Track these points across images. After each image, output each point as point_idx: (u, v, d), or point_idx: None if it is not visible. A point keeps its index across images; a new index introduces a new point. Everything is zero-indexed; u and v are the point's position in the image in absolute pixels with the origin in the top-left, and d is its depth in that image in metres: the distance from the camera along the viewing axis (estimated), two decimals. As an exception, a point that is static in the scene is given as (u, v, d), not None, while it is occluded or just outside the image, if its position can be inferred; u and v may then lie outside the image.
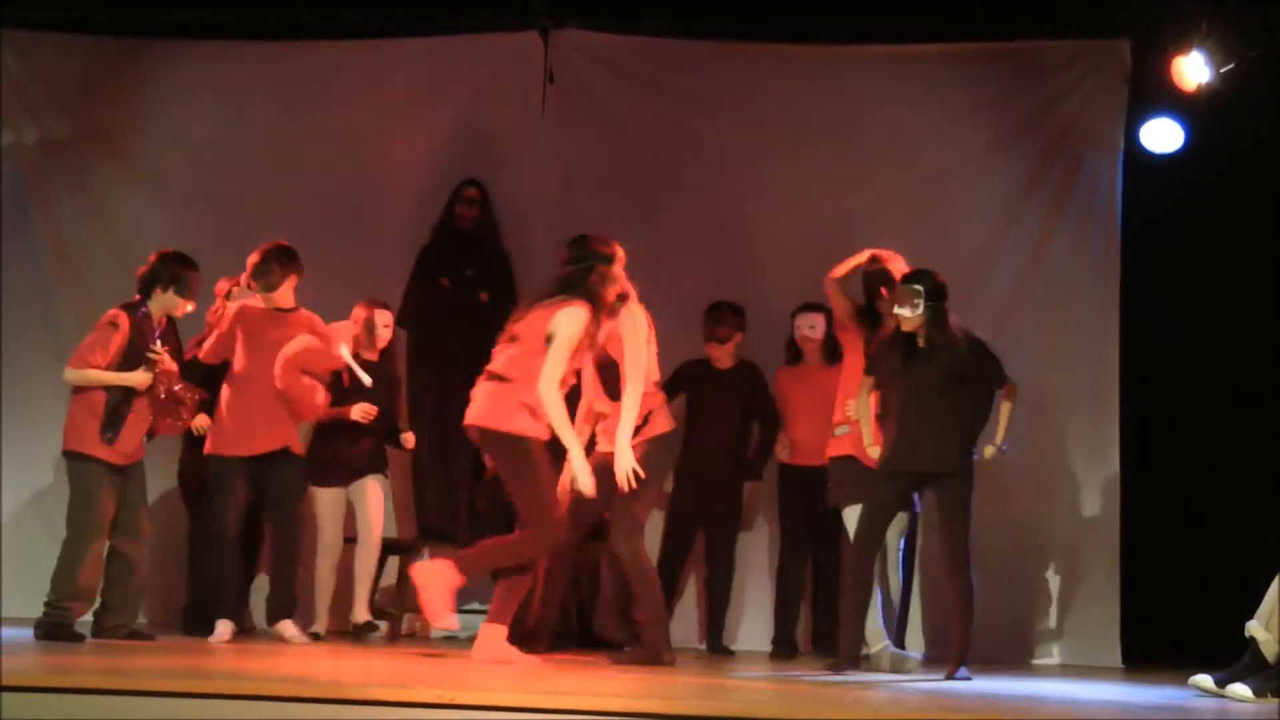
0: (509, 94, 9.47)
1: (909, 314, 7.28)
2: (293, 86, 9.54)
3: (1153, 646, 8.70)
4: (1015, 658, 8.76)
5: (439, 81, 9.50)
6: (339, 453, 8.19)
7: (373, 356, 8.30)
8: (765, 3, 9.09)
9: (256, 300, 7.85)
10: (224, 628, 7.62)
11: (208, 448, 7.78)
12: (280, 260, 7.79)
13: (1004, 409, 7.45)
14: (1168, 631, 8.75)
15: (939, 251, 9.07)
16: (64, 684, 5.29)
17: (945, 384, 7.28)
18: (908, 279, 7.37)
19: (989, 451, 7.39)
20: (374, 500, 8.24)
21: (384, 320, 8.34)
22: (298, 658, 7.02)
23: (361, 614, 8.16)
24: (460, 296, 8.89)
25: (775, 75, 9.44)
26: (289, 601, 7.80)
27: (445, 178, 9.20)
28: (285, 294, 7.82)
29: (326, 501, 8.20)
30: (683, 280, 8.97)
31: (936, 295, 7.30)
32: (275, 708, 5.16)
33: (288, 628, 7.74)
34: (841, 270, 7.87)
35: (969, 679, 7.15)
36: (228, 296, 8.13)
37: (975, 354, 7.34)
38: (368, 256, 9.15)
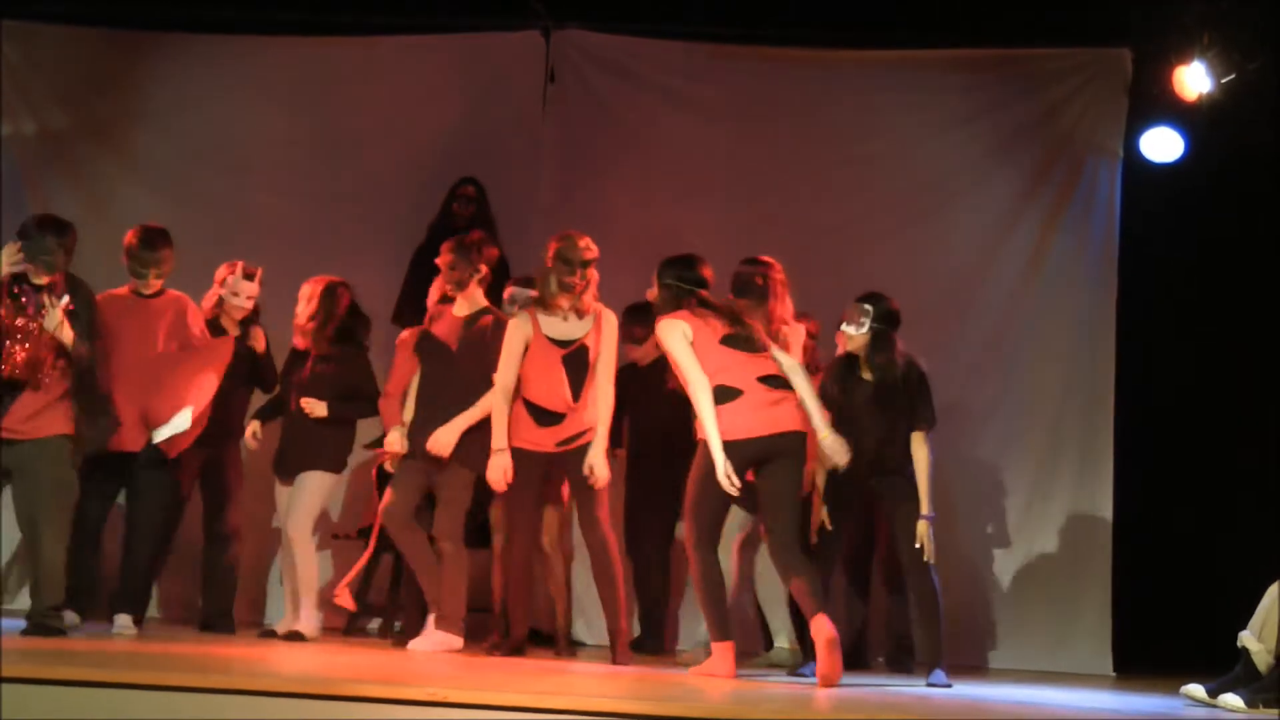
0: (509, 93, 9.48)
1: (853, 332, 7.27)
2: (292, 82, 9.55)
3: (1144, 655, 8.70)
4: (1004, 664, 8.73)
5: (439, 79, 9.51)
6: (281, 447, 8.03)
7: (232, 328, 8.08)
8: (767, 6, 9.09)
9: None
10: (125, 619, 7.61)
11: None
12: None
13: (920, 462, 7.23)
14: (1160, 640, 8.75)
15: (937, 255, 9.16)
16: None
17: (875, 405, 7.24)
18: (861, 298, 7.33)
19: (922, 527, 7.20)
20: (302, 494, 7.91)
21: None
22: (291, 653, 7.04)
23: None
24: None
25: (776, 78, 9.44)
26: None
27: (444, 176, 9.18)
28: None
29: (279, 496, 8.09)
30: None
31: (885, 319, 7.26)
32: (274, 705, 5.21)
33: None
34: None
35: (949, 685, 7.13)
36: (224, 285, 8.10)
37: (908, 381, 7.26)
38: (364, 254, 9.13)
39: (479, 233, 7.90)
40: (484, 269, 7.71)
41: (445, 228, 9.07)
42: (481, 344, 7.57)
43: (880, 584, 8.17)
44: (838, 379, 7.35)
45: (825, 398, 7.19)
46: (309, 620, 7.86)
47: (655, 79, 9.50)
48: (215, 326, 8.06)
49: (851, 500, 7.40)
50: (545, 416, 7.38)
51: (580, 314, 7.40)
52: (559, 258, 7.35)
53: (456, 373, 7.59)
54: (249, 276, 8.10)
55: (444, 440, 7.51)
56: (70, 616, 7.34)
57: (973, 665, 8.43)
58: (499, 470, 7.31)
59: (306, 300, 7.98)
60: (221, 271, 8.15)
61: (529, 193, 9.38)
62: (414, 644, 7.48)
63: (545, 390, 7.37)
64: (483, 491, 7.62)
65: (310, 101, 9.53)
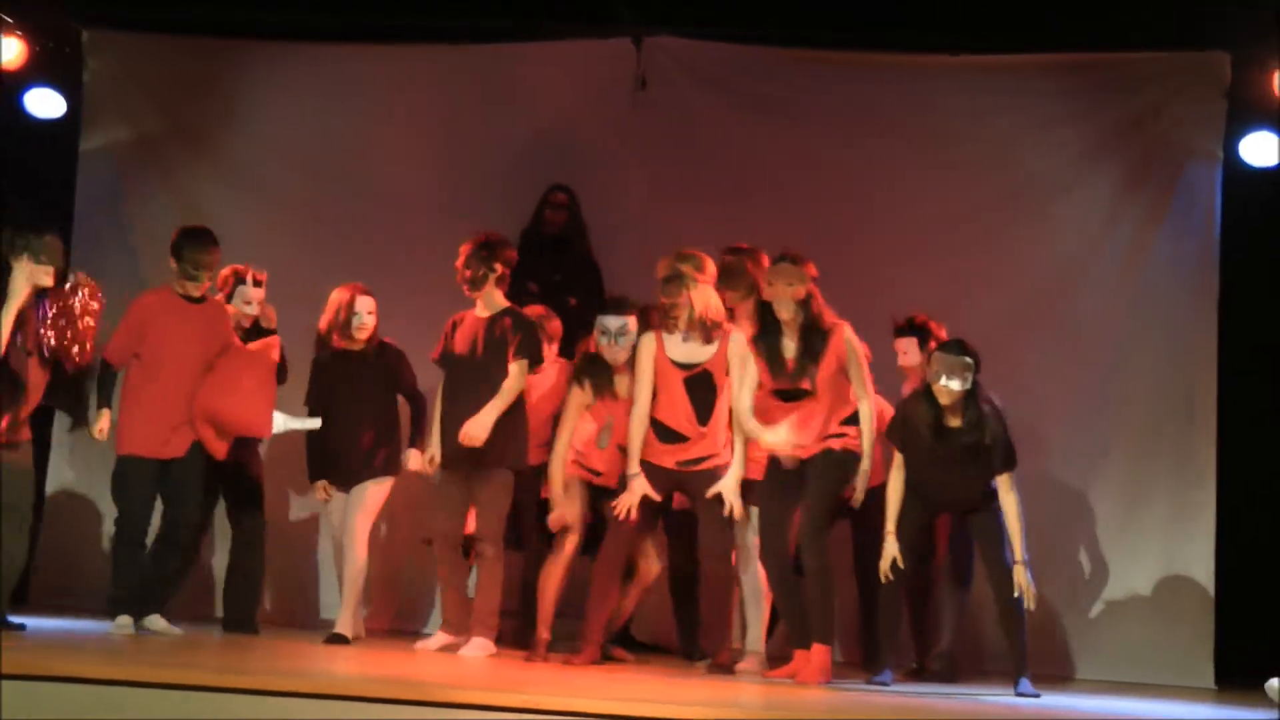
0: (600, 100, 9.47)
1: (957, 387, 7.07)
2: (384, 90, 9.59)
3: (1248, 667, 8.52)
4: (1100, 675, 8.59)
5: (530, 86, 9.51)
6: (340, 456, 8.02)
7: (356, 346, 8.03)
8: (858, 11, 9.02)
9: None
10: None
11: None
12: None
13: (1011, 508, 7.13)
14: (1265, 651, 8.56)
15: (1033, 260, 9.09)
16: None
17: (966, 461, 7.13)
18: (954, 348, 7.15)
19: (1020, 574, 7.10)
20: (361, 505, 7.95)
21: (367, 306, 8.02)
22: (327, 655, 7.14)
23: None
24: (547, 301, 8.88)
25: (868, 84, 9.37)
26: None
27: (535, 183, 9.19)
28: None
29: (334, 504, 8.10)
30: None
31: (978, 368, 7.14)
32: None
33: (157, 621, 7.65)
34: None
35: (1037, 695, 7.04)
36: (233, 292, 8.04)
37: (997, 433, 7.13)
38: (455, 261, 9.17)
39: (495, 234, 7.78)
40: (500, 268, 7.64)
41: (537, 235, 9.12)
42: (503, 345, 7.55)
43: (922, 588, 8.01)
44: (931, 428, 7.14)
45: (908, 439, 7.17)
46: (352, 622, 7.89)
47: (746, 85, 9.46)
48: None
49: (923, 539, 7.41)
50: (669, 435, 7.37)
51: (706, 336, 7.34)
52: (661, 279, 7.35)
53: (480, 375, 7.56)
54: (257, 284, 8.05)
55: (475, 432, 7.45)
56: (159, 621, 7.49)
57: (1064, 676, 8.31)
58: (636, 493, 7.29)
59: (375, 312, 7.99)
60: (225, 276, 8.06)
61: (619, 201, 9.37)
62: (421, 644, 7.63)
63: (669, 412, 7.37)
64: (529, 494, 7.74)
65: (403, 108, 9.57)
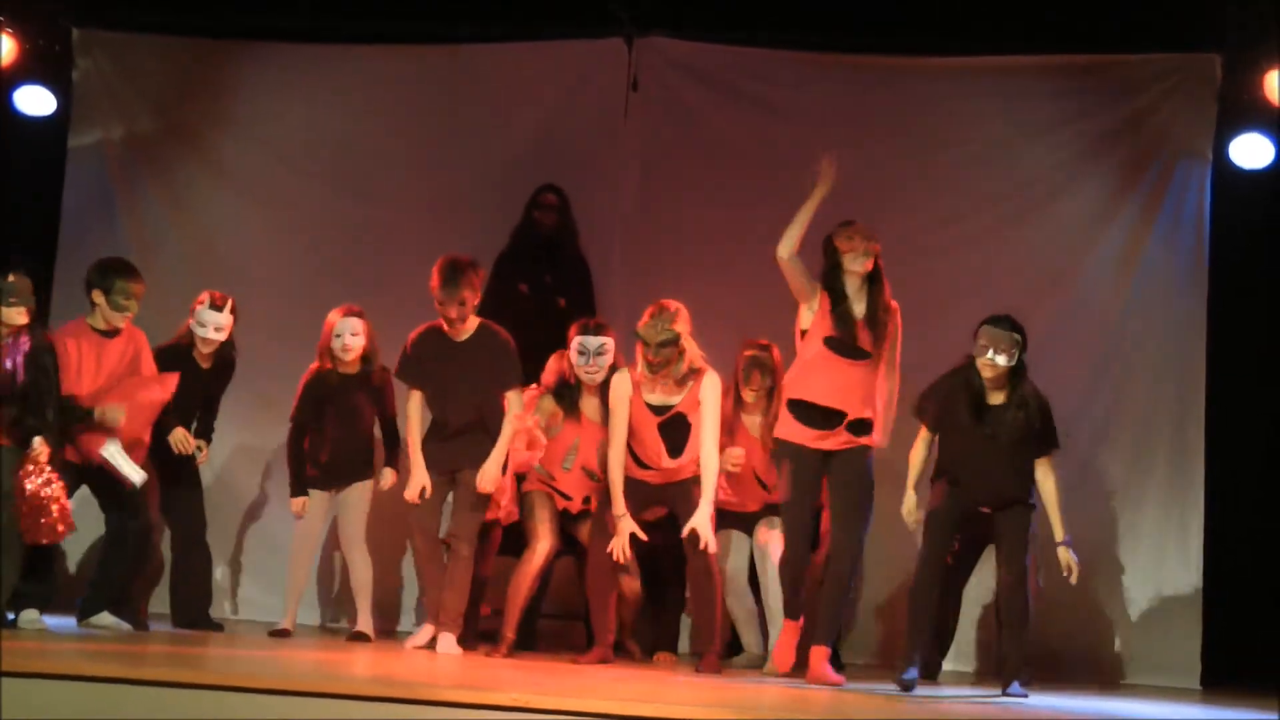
0: (592, 101, 9.44)
1: (1003, 363, 7.02)
2: (375, 90, 9.58)
3: (1235, 668, 8.54)
4: (1087, 676, 8.59)
5: (522, 87, 9.50)
6: (330, 464, 8.13)
7: (345, 367, 8.13)
8: (852, 13, 9.03)
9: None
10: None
11: None
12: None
13: (1050, 490, 7.18)
14: (1252, 653, 8.58)
15: (1026, 260, 9.08)
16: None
17: (1012, 443, 7.10)
18: (1004, 322, 7.09)
19: (1064, 555, 7.17)
20: (355, 508, 8.15)
21: (351, 328, 8.08)
22: (346, 654, 7.20)
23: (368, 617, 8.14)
24: (538, 302, 8.88)
25: (861, 85, 9.36)
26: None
27: (527, 184, 9.16)
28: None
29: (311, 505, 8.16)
30: (765, 291, 8.88)
31: (1025, 347, 7.09)
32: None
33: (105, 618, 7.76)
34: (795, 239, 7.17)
35: (1025, 695, 7.05)
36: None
37: (1043, 414, 7.12)
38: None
39: (463, 258, 7.69)
40: (474, 296, 7.64)
41: (527, 235, 9.10)
42: (479, 359, 7.59)
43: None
44: (971, 409, 7.09)
45: (942, 419, 7.13)
46: (369, 622, 8.07)
47: (739, 87, 9.44)
48: (182, 352, 8.02)
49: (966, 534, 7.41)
50: (643, 465, 7.52)
51: (679, 381, 7.42)
52: (643, 336, 7.38)
53: (462, 389, 7.60)
54: (217, 307, 8.01)
55: (491, 474, 7.57)
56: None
57: (1052, 677, 8.32)
58: (624, 534, 7.37)
59: (360, 333, 8.04)
60: (203, 297, 8.05)
61: (611, 201, 9.36)
62: (411, 641, 7.70)
63: (641, 449, 7.50)
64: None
65: (393, 109, 9.56)
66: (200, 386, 8.07)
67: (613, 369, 7.66)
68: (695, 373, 7.44)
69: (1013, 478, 7.16)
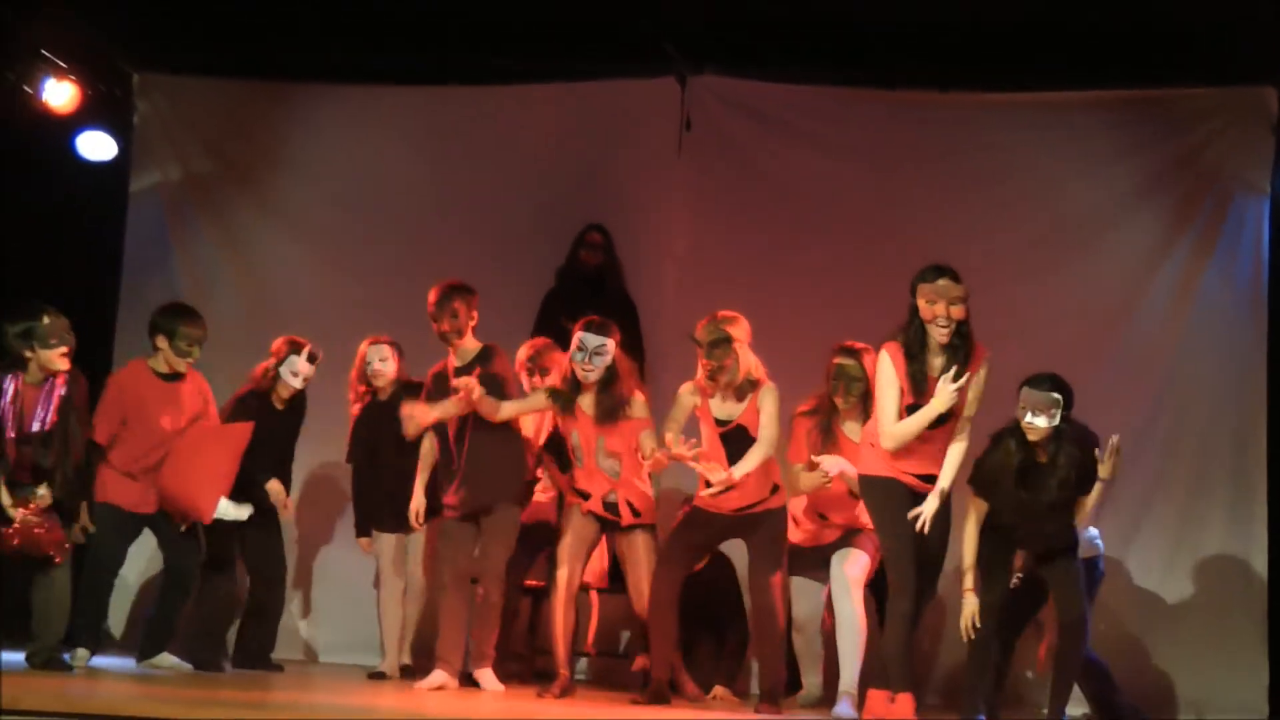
0: (645, 140, 9.48)
1: (1044, 424, 6.80)
2: (427, 130, 9.67)
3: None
4: (1152, 709, 8.42)
5: (576, 126, 9.55)
6: (395, 499, 8.04)
7: (380, 394, 8.17)
8: (903, 49, 9.03)
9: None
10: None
11: None
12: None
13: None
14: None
15: (1082, 294, 9.02)
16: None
17: (1054, 504, 6.92)
18: (1044, 383, 6.85)
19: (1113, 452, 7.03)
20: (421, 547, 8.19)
21: (379, 355, 8.16)
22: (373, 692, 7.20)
23: (405, 656, 8.22)
24: (583, 340, 8.88)
25: (913, 122, 9.36)
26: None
27: (578, 222, 9.21)
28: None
29: (384, 547, 8.17)
30: (815, 328, 8.84)
31: (1071, 404, 6.86)
32: None
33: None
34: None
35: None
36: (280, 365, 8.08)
37: (1080, 470, 6.91)
38: (496, 298, 9.08)
39: (457, 281, 7.68)
40: (471, 318, 7.63)
41: (573, 274, 9.13)
42: (493, 384, 7.50)
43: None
44: (1016, 471, 6.86)
45: (989, 486, 6.94)
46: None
47: (792, 124, 9.46)
48: (263, 397, 8.09)
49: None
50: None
51: (740, 393, 7.35)
52: (697, 339, 7.30)
53: (475, 419, 7.51)
54: (312, 359, 8.10)
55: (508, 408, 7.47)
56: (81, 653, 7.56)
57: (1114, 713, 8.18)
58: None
59: (389, 359, 8.12)
60: (279, 345, 8.14)
61: (664, 240, 9.37)
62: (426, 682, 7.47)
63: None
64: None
65: (445, 148, 9.63)
66: (277, 429, 8.11)
67: (611, 369, 7.53)
68: (754, 384, 7.35)
69: (1062, 534, 7.03)
